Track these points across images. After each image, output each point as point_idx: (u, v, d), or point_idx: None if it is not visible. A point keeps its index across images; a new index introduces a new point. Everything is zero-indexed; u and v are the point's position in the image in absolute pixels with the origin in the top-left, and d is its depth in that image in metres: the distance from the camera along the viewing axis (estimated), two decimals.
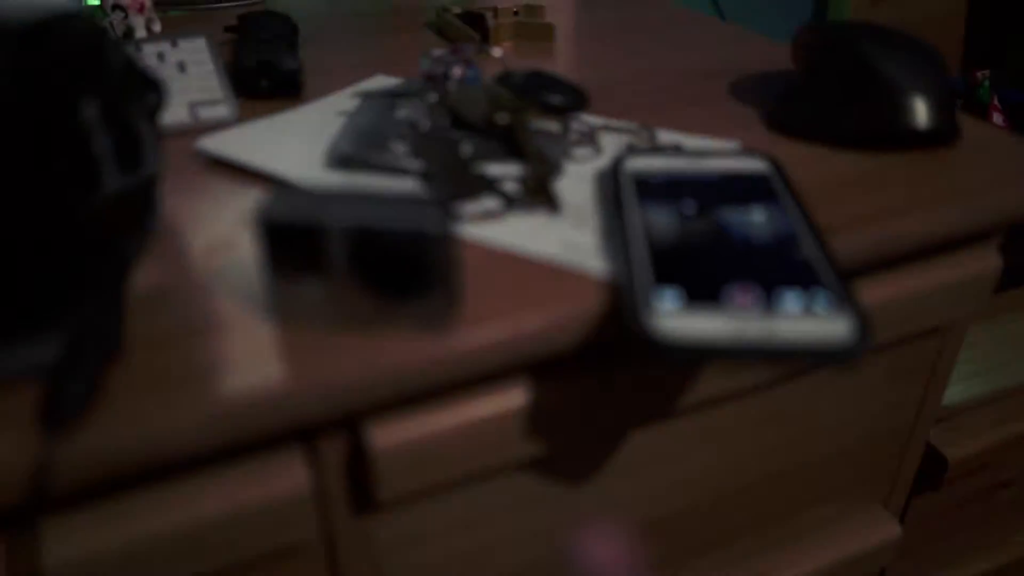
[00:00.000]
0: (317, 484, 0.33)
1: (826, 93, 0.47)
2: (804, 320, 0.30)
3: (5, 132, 0.25)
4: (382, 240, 0.29)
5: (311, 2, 0.78)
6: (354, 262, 0.30)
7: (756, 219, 0.36)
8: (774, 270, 0.33)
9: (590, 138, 0.46)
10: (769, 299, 0.31)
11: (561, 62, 0.61)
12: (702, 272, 0.33)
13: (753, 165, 0.41)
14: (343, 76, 0.58)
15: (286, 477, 0.32)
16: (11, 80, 0.25)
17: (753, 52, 0.63)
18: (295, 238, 0.30)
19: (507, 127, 0.44)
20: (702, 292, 0.32)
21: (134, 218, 0.33)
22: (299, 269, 0.31)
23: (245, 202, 0.41)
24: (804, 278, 0.33)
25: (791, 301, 0.31)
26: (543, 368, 0.36)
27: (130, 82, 0.33)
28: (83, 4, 0.30)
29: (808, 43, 0.49)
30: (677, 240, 0.35)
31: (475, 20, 0.65)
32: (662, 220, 0.36)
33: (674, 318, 0.30)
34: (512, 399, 0.35)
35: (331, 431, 0.34)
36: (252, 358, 0.30)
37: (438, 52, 0.53)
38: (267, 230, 0.30)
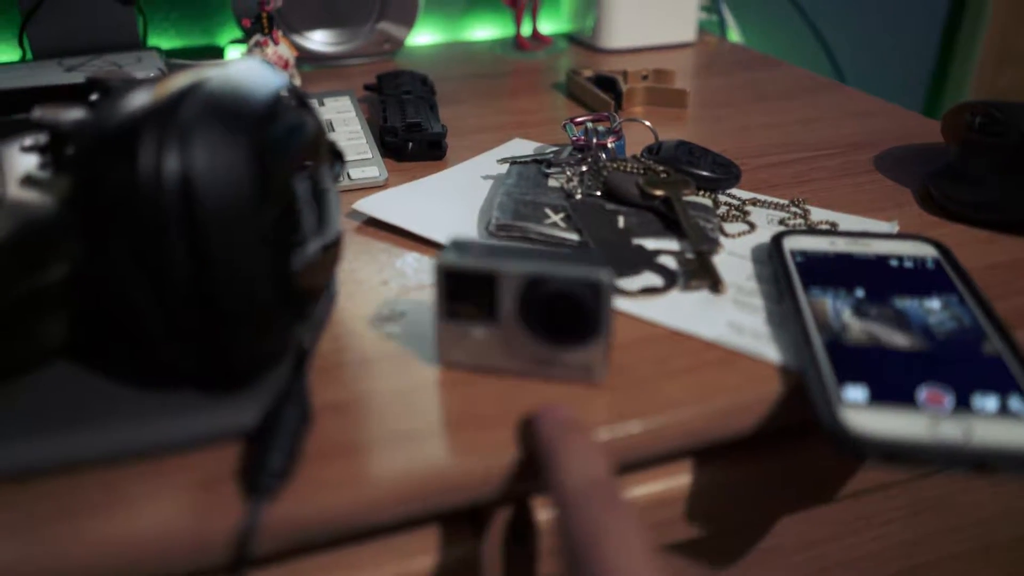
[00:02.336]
0: (482, 556, 0.33)
1: (989, 175, 0.46)
2: (1003, 422, 0.29)
3: (248, 206, 0.26)
4: (555, 286, 0.31)
5: (435, 61, 0.80)
6: (525, 307, 0.32)
7: (933, 309, 0.36)
8: (962, 366, 0.32)
9: (741, 213, 0.46)
10: (959, 397, 0.30)
11: (696, 130, 0.61)
12: (886, 366, 0.32)
13: (919, 250, 0.40)
14: (480, 137, 0.59)
15: (456, 548, 0.32)
16: (252, 162, 0.26)
17: (892, 123, 0.62)
18: (470, 283, 0.32)
19: (663, 201, 0.44)
20: (889, 387, 0.31)
21: (322, 282, 0.34)
22: (470, 314, 0.33)
23: (406, 267, 0.42)
24: (996, 376, 0.31)
25: (985, 401, 0.30)
26: (708, 451, 0.36)
27: (323, 151, 0.34)
28: (288, 78, 0.32)
29: (966, 122, 0.48)
30: (854, 330, 0.34)
31: (607, 84, 0.66)
32: (834, 307, 0.36)
33: (865, 413, 0.30)
34: (677, 481, 0.35)
35: (498, 505, 0.34)
36: (430, 433, 0.31)
37: (581, 119, 0.53)
38: (445, 275, 0.32)
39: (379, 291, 0.40)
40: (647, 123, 0.51)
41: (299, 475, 0.29)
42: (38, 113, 0.33)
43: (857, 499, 0.42)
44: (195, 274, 0.27)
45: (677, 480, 0.35)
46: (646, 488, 0.34)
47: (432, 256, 0.43)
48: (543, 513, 0.33)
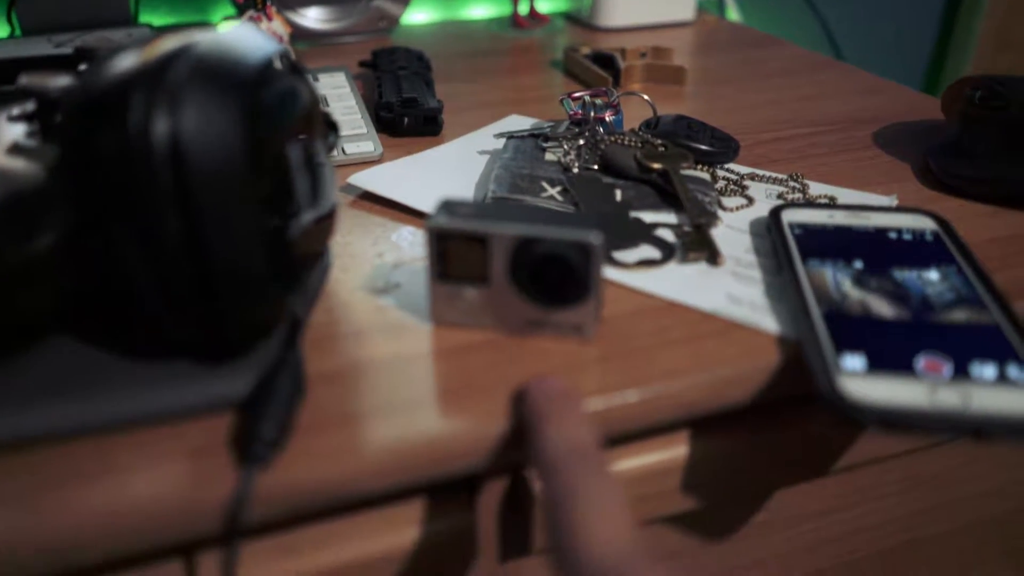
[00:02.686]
0: (477, 527, 0.33)
1: (990, 149, 0.45)
2: (1001, 389, 0.29)
3: (240, 171, 0.26)
4: (545, 248, 0.31)
5: (431, 39, 0.79)
6: (515, 269, 0.32)
7: (931, 280, 0.35)
8: (960, 335, 0.32)
9: (739, 187, 0.46)
10: (957, 365, 0.30)
11: (694, 106, 0.60)
12: (885, 335, 0.32)
13: (918, 222, 0.40)
14: (476, 114, 0.59)
15: (450, 518, 0.32)
16: (243, 126, 0.26)
17: (891, 100, 0.61)
18: (461, 244, 0.32)
19: (661, 174, 0.43)
20: (887, 356, 0.31)
21: (317, 252, 0.34)
22: (462, 275, 0.33)
23: (401, 240, 0.41)
24: (994, 345, 0.31)
25: (983, 368, 0.30)
26: (705, 422, 0.35)
27: (316, 122, 0.34)
28: (283, 46, 0.31)
29: (967, 97, 0.48)
30: (852, 300, 0.34)
31: (605, 61, 0.66)
32: (832, 278, 0.35)
33: (864, 381, 0.29)
34: (673, 452, 0.34)
35: (493, 475, 0.34)
36: (423, 403, 0.30)
37: (579, 94, 0.53)
38: (436, 237, 0.32)
39: (374, 264, 0.39)
40: (645, 97, 0.50)
41: (292, 445, 0.28)
42: (25, 80, 0.32)
43: (853, 473, 0.42)
44: (187, 240, 0.26)
45: (673, 451, 0.34)
46: (642, 459, 0.34)
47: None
48: (538, 484, 0.33)
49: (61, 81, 0.32)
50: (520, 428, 0.30)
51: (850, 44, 1.10)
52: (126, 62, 0.27)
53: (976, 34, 1.10)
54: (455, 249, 0.32)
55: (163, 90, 0.25)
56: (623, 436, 0.34)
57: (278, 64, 0.31)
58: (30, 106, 0.34)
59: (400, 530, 0.32)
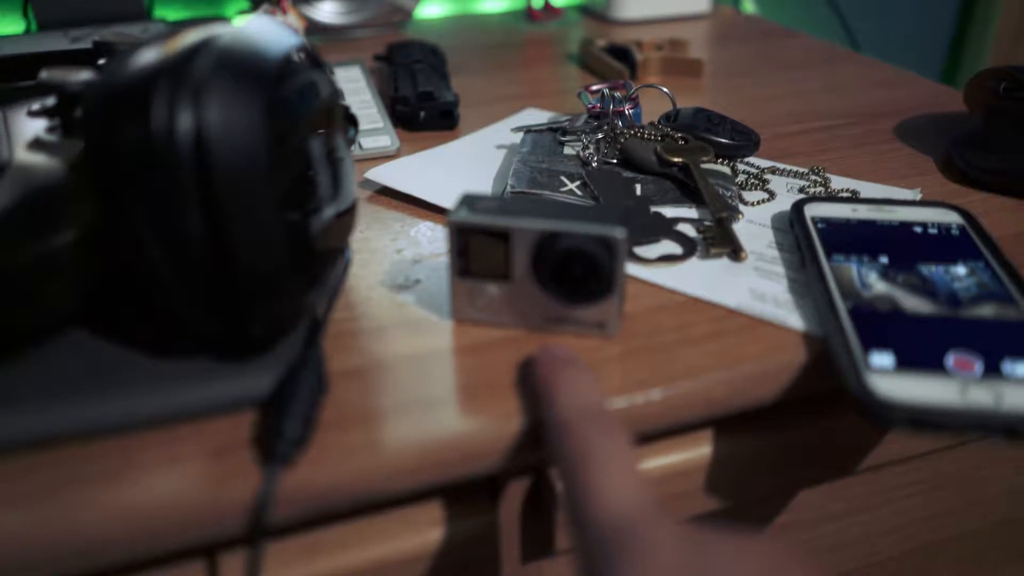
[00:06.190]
0: (499, 528, 0.33)
1: (1014, 141, 0.44)
2: None
3: (262, 165, 0.25)
4: (568, 243, 0.31)
5: (445, 32, 0.79)
6: (538, 264, 0.31)
7: (958, 275, 0.35)
8: (990, 332, 0.31)
9: (760, 181, 0.45)
10: (988, 363, 0.30)
11: (713, 100, 0.60)
12: (913, 332, 0.31)
13: (944, 216, 0.39)
14: (492, 107, 0.58)
15: (473, 518, 0.32)
16: (266, 121, 0.25)
17: (910, 92, 0.61)
18: (483, 239, 0.32)
19: (681, 168, 0.43)
20: (916, 353, 0.30)
21: (337, 248, 0.34)
22: (484, 271, 0.32)
23: (420, 236, 0.41)
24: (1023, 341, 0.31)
25: (1015, 366, 0.29)
26: (728, 421, 0.35)
27: (336, 116, 0.34)
28: (303, 39, 0.31)
29: (991, 88, 0.47)
30: (879, 296, 0.33)
31: (621, 54, 0.65)
32: (858, 273, 0.35)
33: (893, 379, 0.29)
34: (697, 452, 0.34)
35: (516, 474, 0.33)
36: (445, 401, 0.30)
37: (597, 87, 0.52)
38: (457, 231, 0.32)
39: (393, 259, 0.39)
40: (664, 89, 0.50)
41: (315, 442, 0.28)
42: (45, 74, 0.32)
43: (877, 473, 0.41)
44: (210, 234, 0.26)
45: (697, 451, 0.34)
46: (665, 459, 0.34)
47: (446, 225, 0.42)
48: (560, 483, 0.33)
49: (82, 75, 0.32)
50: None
51: (867, 36, 1.09)
52: (148, 56, 0.26)
53: (994, 27, 1.09)
54: (477, 244, 0.32)
55: (187, 84, 0.25)
56: (647, 435, 0.34)
57: (298, 57, 0.31)
58: (50, 101, 0.33)
59: (422, 531, 0.31)
